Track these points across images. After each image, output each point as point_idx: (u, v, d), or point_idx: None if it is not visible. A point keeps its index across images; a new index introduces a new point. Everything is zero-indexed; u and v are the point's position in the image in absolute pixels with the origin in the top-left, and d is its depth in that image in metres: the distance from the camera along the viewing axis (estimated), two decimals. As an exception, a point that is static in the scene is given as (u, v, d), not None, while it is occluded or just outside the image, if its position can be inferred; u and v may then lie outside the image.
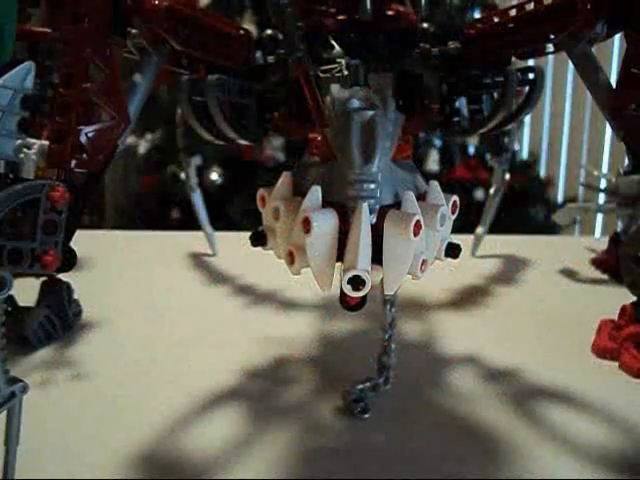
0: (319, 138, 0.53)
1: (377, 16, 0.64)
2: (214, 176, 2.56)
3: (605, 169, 2.83)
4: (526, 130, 3.40)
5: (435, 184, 0.53)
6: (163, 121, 2.65)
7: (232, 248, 1.28)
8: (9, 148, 0.55)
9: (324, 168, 0.51)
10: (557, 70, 3.21)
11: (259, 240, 0.55)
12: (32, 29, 1.07)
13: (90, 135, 0.55)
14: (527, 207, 2.92)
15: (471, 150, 2.81)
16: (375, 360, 0.70)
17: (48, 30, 1.08)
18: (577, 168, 3.19)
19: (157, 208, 2.83)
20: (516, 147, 2.99)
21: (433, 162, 2.63)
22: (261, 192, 0.54)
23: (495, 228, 1.37)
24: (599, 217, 2.92)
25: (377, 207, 0.47)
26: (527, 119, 3.21)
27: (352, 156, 0.46)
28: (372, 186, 0.46)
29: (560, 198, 3.34)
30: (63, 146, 0.55)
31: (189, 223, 1.50)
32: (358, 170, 0.46)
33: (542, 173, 3.38)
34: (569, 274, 1.23)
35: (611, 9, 0.58)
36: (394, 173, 0.50)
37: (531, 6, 0.64)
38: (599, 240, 1.48)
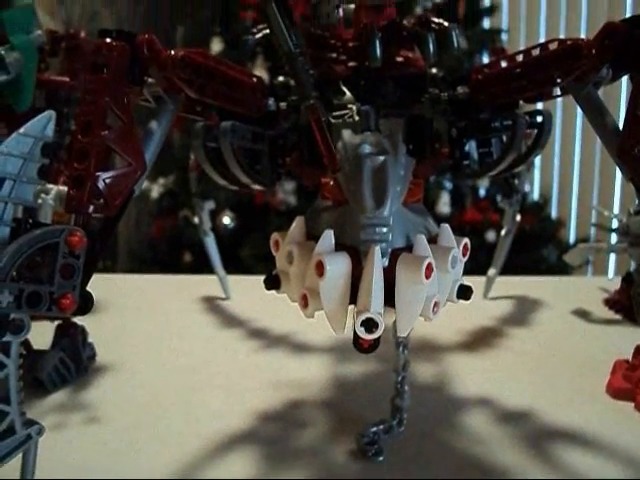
0: (331, 183, 0.54)
1: (387, 63, 0.65)
2: (226, 220, 2.58)
3: (616, 209, 2.84)
4: (537, 171, 3.42)
5: (446, 227, 0.54)
6: (176, 166, 2.68)
7: (245, 291, 1.29)
8: (29, 194, 0.57)
9: (337, 212, 0.52)
10: (567, 111, 3.24)
11: (273, 284, 0.55)
12: (51, 78, 1.10)
13: (107, 181, 0.56)
14: (539, 248, 2.91)
15: (482, 192, 2.82)
16: (389, 402, 0.70)
17: (66, 79, 1.11)
18: (589, 208, 3.20)
19: (169, 252, 2.85)
20: (527, 188, 2.99)
21: (444, 204, 2.64)
22: (275, 236, 0.55)
23: (507, 269, 1.37)
24: (612, 257, 2.92)
25: (389, 250, 0.48)
26: (538, 160, 3.22)
27: (364, 200, 0.47)
28: (384, 230, 0.47)
29: (572, 238, 3.34)
30: (81, 192, 0.56)
31: (202, 266, 1.51)
32: (370, 214, 0.47)
33: (554, 214, 3.38)
34: (582, 314, 1.23)
35: (616, 53, 0.60)
36: (405, 216, 0.51)
37: (537, 51, 0.66)
38: (612, 280, 1.47)
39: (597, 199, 3.23)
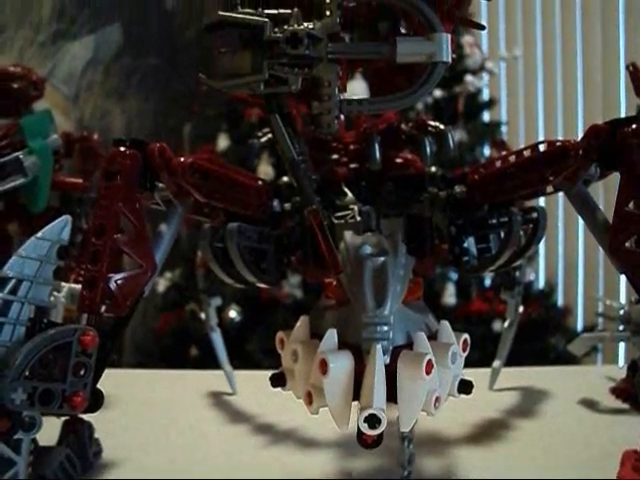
0: (334, 283, 0.56)
1: (386, 164, 0.69)
2: (232, 314, 2.59)
3: (623, 294, 2.83)
4: (541, 259, 3.43)
5: (445, 324, 0.56)
6: (182, 260, 2.71)
7: (251, 386, 1.29)
8: (45, 295, 0.59)
9: (339, 311, 0.54)
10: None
11: (279, 381, 0.57)
12: (65, 179, 1.14)
13: (119, 282, 0.59)
14: (547, 337, 2.90)
15: (487, 282, 2.82)
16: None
17: (79, 180, 1.15)
18: (596, 293, 3.19)
19: (175, 346, 2.85)
20: (532, 277, 3.00)
21: (450, 296, 2.65)
22: (280, 335, 0.57)
23: (515, 359, 1.37)
24: (622, 345, 2.89)
25: (390, 348, 0.50)
26: (542, 248, 3.25)
27: (365, 300, 0.49)
28: (385, 328, 0.49)
29: (579, 326, 3.32)
30: (94, 293, 0.58)
31: (208, 361, 1.51)
32: (371, 313, 0.49)
33: (560, 302, 3.37)
34: (589, 404, 1.22)
35: (602, 153, 0.63)
36: (406, 314, 0.53)
37: (528, 152, 0.69)
38: (622, 368, 1.47)
39: (603, 285, 3.22)
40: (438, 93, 2.76)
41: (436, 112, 2.73)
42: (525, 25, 3.36)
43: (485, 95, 3.13)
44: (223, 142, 2.82)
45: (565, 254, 3.47)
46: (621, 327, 1.27)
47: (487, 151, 2.97)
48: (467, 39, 2.80)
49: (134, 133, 2.91)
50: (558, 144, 0.65)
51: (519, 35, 3.38)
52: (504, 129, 3.16)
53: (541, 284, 3.34)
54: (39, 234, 0.59)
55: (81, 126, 2.56)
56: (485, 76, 3.02)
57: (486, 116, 3.12)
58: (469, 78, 2.89)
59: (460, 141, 2.76)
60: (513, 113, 3.41)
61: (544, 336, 2.89)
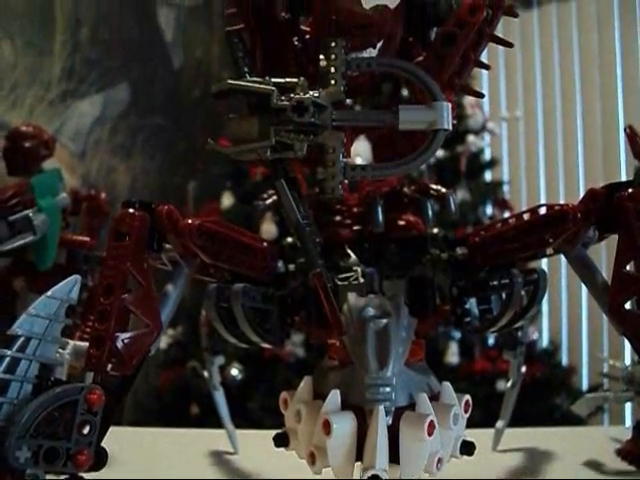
0: (337, 344, 0.57)
1: (389, 227, 0.70)
2: (234, 372, 2.57)
3: (628, 352, 2.81)
4: (545, 318, 3.42)
5: (447, 385, 0.57)
6: (185, 317, 2.71)
7: (253, 446, 1.28)
8: (52, 353, 0.60)
9: (342, 372, 0.55)
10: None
11: (282, 441, 0.57)
12: (72, 238, 1.16)
13: (126, 341, 0.60)
14: (551, 396, 2.87)
15: (490, 341, 2.81)
16: None
17: (86, 238, 1.17)
18: (599, 353, 3.16)
19: (176, 403, 2.83)
20: (535, 336, 2.99)
21: (453, 355, 2.63)
22: (283, 395, 0.58)
23: (519, 419, 1.36)
24: (628, 405, 2.86)
25: (393, 409, 0.50)
26: (545, 307, 3.24)
27: (368, 362, 0.50)
28: (387, 389, 0.50)
29: (585, 386, 3.29)
30: (101, 352, 0.59)
31: (209, 419, 1.50)
32: (374, 375, 0.50)
33: (564, 361, 3.35)
34: (594, 466, 1.21)
35: (600, 216, 0.65)
36: (408, 376, 0.54)
37: (528, 215, 0.70)
38: (629, 429, 1.46)
39: (608, 344, 3.20)
40: (440, 153, 2.80)
41: (439, 171, 2.76)
42: (525, 86, 3.42)
43: (487, 155, 3.17)
44: (227, 200, 2.85)
45: (569, 313, 3.46)
46: (625, 387, 1.26)
47: (490, 210, 2.99)
48: (469, 100, 2.84)
49: (139, 191, 2.93)
50: (557, 208, 0.67)
51: (520, 96, 3.44)
52: (506, 188, 3.19)
53: (545, 343, 3.32)
54: (49, 293, 0.59)
55: (87, 183, 2.59)
56: (487, 136, 3.06)
57: (488, 175, 3.15)
58: (471, 138, 2.93)
59: (463, 200, 2.78)
60: (515, 172, 3.44)
61: (549, 396, 2.86)
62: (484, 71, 0.75)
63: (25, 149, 1.22)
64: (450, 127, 0.56)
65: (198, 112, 3.06)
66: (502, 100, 3.45)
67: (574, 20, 3.25)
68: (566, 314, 3.48)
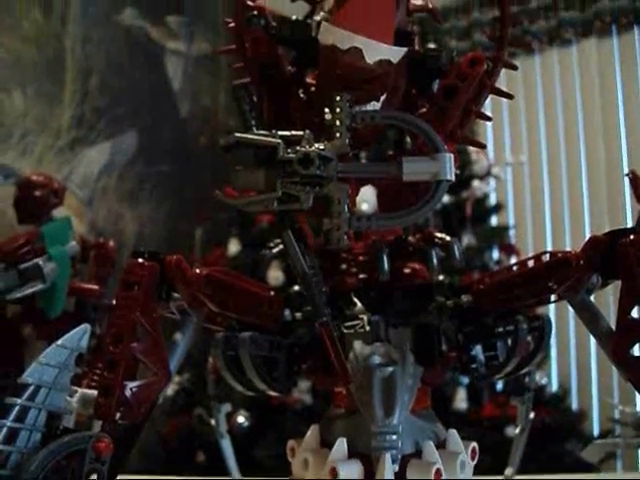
0: (344, 392, 0.57)
1: (395, 275, 0.71)
2: (241, 419, 2.55)
3: (639, 396, 2.76)
4: (554, 362, 3.39)
5: (454, 432, 0.57)
6: (191, 364, 2.70)
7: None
8: (61, 401, 0.60)
9: (349, 420, 0.55)
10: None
11: (289, 490, 0.57)
12: (81, 286, 1.17)
13: (134, 390, 0.60)
14: (562, 442, 2.83)
15: (499, 387, 2.78)
16: None
17: (95, 287, 1.18)
18: (610, 399, 3.12)
19: (182, 451, 2.80)
20: (544, 381, 2.96)
21: (461, 400, 2.60)
22: (291, 443, 0.58)
23: (531, 465, 1.34)
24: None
25: (399, 457, 0.51)
26: (554, 351, 3.21)
27: (374, 410, 0.50)
28: (394, 437, 0.50)
29: (596, 431, 3.23)
30: (109, 401, 0.60)
31: (215, 467, 1.49)
32: (380, 423, 0.50)
33: (574, 405, 3.30)
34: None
35: (602, 262, 0.65)
36: (414, 424, 0.54)
37: (532, 263, 0.71)
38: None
39: (618, 388, 3.17)
40: (446, 198, 2.81)
41: (445, 217, 2.77)
42: (529, 131, 3.45)
43: (492, 200, 3.17)
44: (234, 246, 2.86)
45: (578, 357, 3.43)
46: (636, 433, 1.26)
47: (496, 255, 2.99)
48: (473, 146, 2.86)
49: (146, 237, 2.95)
50: (560, 255, 0.67)
51: (524, 141, 3.47)
52: (512, 233, 3.19)
53: (554, 387, 3.28)
54: (59, 342, 0.60)
55: (94, 229, 2.61)
56: (492, 181, 3.07)
57: (494, 220, 3.16)
58: (476, 183, 2.94)
59: (469, 245, 2.79)
60: (520, 217, 3.45)
61: (560, 441, 2.82)
62: (488, 117, 0.76)
63: (36, 198, 1.24)
64: (453, 178, 0.57)
65: (205, 159, 3.10)
66: (506, 145, 3.48)
67: (575, 65, 3.29)
68: (575, 358, 3.44)
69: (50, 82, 2.48)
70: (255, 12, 0.72)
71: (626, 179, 1.07)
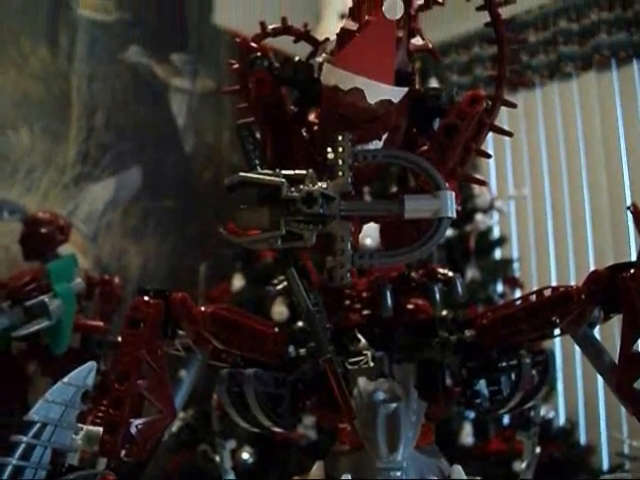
0: (348, 428, 0.57)
1: (398, 311, 0.72)
2: (246, 456, 2.53)
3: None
4: (561, 397, 3.36)
5: (458, 468, 0.57)
6: (195, 400, 2.68)
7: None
8: (67, 439, 0.61)
9: (354, 456, 0.55)
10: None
11: (294, 526, 0.57)
12: (86, 322, 1.18)
13: (140, 427, 0.61)
14: (571, 477, 2.80)
15: (505, 421, 2.76)
16: None
17: (100, 323, 1.19)
18: (618, 433, 3.09)
19: (186, 488, 2.77)
20: (551, 415, 2.94)
21: (467, 435, 2.58)
22: (295, 480, 0.58)
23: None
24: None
25: (404, 492, 0.51)
26: (560, 385, 3.19)
27: (378, 446, 0.51)
28: (398, 473, 0.51)
29: (605, 466, 3.20)
30: (115, 438, 0.60)
31: (220, 505, 1.48)
32: (385, 459, 0.51)
33: (583, 439, 3.27)
34: None
35: (604, 296, 0.66)
36: (418, 459, 0.54)
37: (534, 297, 0.72)
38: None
39: (626, 422, 3.13)
40: (450, 232, 2.82)
41: (448, 250, 2.78)
42: (532, 164, 3.47)
43: (496, 233, 3.18)
44: (238, 282, 2.86)
45: (585, 391, 3.40)
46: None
47: (500, 288, 2.98)
48: (476, 179, 2.88)
49: (150, 273, 2.95)
50: (561, 289, 0.68)
51: (526, 174, 3.48)
52: (516, 266, 3.19)
53: (562, 421, 3.25)
54: (65, 379, 0.61)
55: (99, 265, 2.62)
56: (495, 214, 3.08)
57: (497, 253, 3.16)
58: (479, 217, 2.94)
59: (473, 279, 2.79)
60: (524, 250, 3.44)
61: (569, 476, 2.79)
62: (490, 150, 0.77)
63: (42, 235, 1.25)
64: (454, 215, 0.58)
65: (208, 195, 3.12)
66: (509, 178, 3.50)
67: (576, 98, 3.32)
68: (582, 392, 3.42)
69: (56, 119, 2.51)
70: (258, 53, 0.73)
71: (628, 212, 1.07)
